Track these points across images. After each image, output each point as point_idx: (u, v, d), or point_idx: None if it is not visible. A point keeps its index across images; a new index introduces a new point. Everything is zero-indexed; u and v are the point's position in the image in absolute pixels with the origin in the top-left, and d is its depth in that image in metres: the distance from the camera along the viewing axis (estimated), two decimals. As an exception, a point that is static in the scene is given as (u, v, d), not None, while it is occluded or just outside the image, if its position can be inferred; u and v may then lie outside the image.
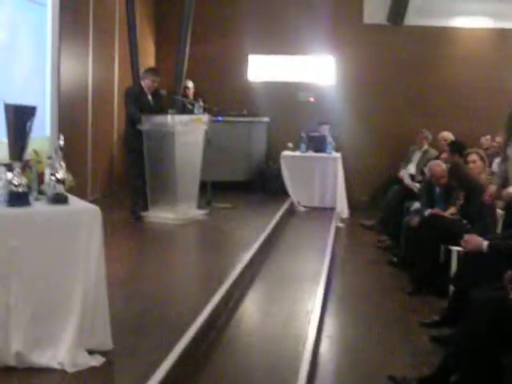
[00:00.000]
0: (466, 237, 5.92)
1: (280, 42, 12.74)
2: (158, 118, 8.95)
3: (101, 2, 10.55)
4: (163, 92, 9.55)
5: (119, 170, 11.55)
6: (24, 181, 4.10)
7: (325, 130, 12.13)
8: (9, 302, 3.93)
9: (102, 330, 4.19)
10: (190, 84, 11.74)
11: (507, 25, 12.69)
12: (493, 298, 4.67)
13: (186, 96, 11.19)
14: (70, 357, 3.96)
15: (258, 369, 4.78)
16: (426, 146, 11.11)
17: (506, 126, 6.58)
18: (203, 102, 10.20)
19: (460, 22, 12.84)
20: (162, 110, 9.24)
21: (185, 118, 9.22)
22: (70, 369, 3.93)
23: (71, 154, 4.86)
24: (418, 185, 9.67)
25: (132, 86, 9.90)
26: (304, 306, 6.18)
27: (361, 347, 5.60)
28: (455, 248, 6.58)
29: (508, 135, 6.43)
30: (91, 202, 4.78)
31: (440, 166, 8.36)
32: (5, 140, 4.20)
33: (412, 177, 10.44)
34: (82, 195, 5.08)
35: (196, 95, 11.54)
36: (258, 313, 6.12)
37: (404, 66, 12.74)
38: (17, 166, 4.09)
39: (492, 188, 6.91)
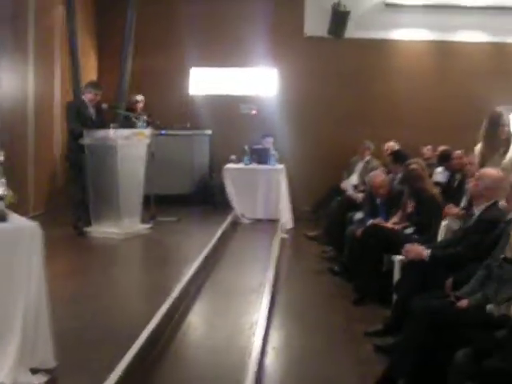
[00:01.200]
0: (408, 246, 6.03)
1: (222, 55, 12.76)
2: (100, 132, 8.88)
3: (40, 16, 10.45)
4: (105, 106, 9.50)
5: (62, 184, 11.42)
6: (-38, 198, 4.04)
7: (268, 143, 12.16)
8: None
9: (45, 348, 4.14)
10: (140, 97, 11.58)
11: (446, 37, 12.93)
12: (434, 306, 4.75)
13: (135, 110, 11.08)
14: (11, 376, 3.90)
15: (204, 381, 4.77)
16: (368, 157, 11.24)
17: (485, 136, 6.68)
18: (148, 115, 10.18)
19: (400, 34, 13.04)
20: (104, 124, 9.18)
21: (127, 131, 9.16)
22: (12, 388, 3.87)
23: (12, 169, 4.79)
24: (360, 195, 9.77)
25: (73, 100, 9.83)
26: (249, 317, 6.18)
27: (306, 358, 5.62)
28: (397, 257, 6.66)
29: (489, 146, 6.56)
30: (33, 218, 4.73)
31: (379, 177, 8.48)
32: None
33: (355, 187, 10.55)
34: (23, 211, 5.04)
35: (145, 109, 11.45)
36: (203, 325, 6.10)
37: (346, 78, 12.86)
38: (-46, 182, 4.04)
39: (454, 210, 7.07)
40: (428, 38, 13.07)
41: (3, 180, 4.14)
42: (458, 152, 9.37)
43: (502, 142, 7.12)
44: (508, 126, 7.31)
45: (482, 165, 6.70)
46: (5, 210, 4.14)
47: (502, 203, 5.54)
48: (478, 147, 7.38)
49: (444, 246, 6.05)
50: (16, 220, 4.25)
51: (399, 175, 8.62)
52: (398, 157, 9.04)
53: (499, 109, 7.54)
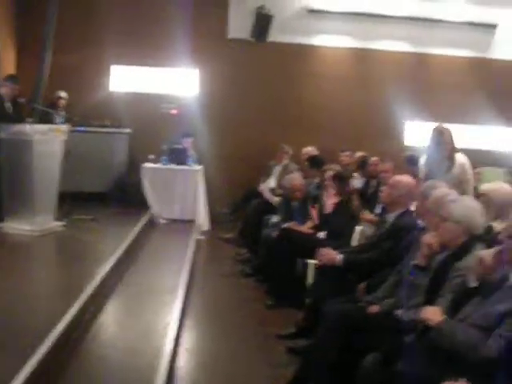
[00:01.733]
0: (321, 250, 6.10)
1: (144, 54, 12.63)
2: (16, 127, 8.70)
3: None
4: (22, 100, 9.32)
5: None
6: None
7: (187, 143, 12.11)
8: None
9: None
10: (63, 94, 11.37)
11: (367, 45, 13.14)
12: (345, 310, 4.83)
13: (57, 106, 10.90)
14: None
15: (114, 382, 4.72)
16: (286, 161, 11.31)
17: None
18: (66, 111, 10.03)
19: (322, 40, 13.18)
20: (21, 119, 9.01)
21: (44, 127, 8.99)
22: None
23: None
24: (277, 199, 9.84)
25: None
26: (162, 318, 6.15)
27: (218, 360, 5.64)
28: (311, 261, 6.73)
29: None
30: None
31: (296, 180, 8.57)
32: None
33: (272, 190, 10.61)
34: None
35: (67, 106, 11.26)
36: (115, 326, 6.05)
37: (268, 82, 12.92)
38: None
39: (368, 216, 7.20)
40: (349, 45, 13.25)
41: None
42: (374, 159, 9.55)
43: (444, 160, 7.27)
44: (451, 143, 7.44)
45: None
46: None
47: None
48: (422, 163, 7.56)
49: (357, 252, 6.15)
50: None
51: (315, 180, 8.73)
52: (315, 162, 9.16)
53: (440, 126, 7.68)
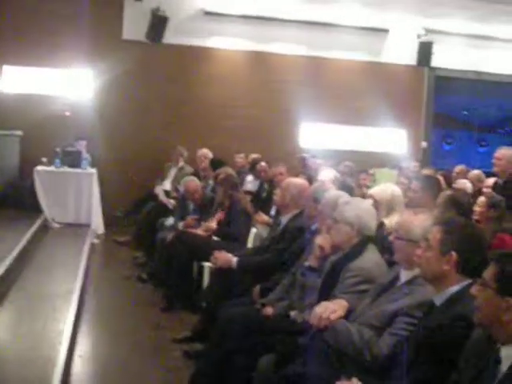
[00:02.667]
0: (216, 253, 6.13)
1: (36, 54, 12.37)
2: None
3: None
4: None
5: None
6: None
7: (81, 145, 11.92)
8: None
9: None
10: None
11: (262, 47, 13.26)
12: (239, 313, 4.86)
13: None
14: None
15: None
16: (181, 163, 11.30)
17: None
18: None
19: (218, 42, 13.21)
20: None
21: None
22: None
23: None
24: (172, 201, 9.82)
25: None
26: (56, 325, 6.04)
27: (113, 366, 5.59)
28: (207, 264, 6.75)
29: None
30: None
31: (194, 182, 8.60)
32: None
33: (167, 193, 10.57)
34: None
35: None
36: (6, 334, 5.89)
37: (164, 83, 12.84)
38: None
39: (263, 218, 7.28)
40: (246, 48, 13.33)
41: None
42: (263, 164, 9.66)
43: None
44: None
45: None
46: None
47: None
48: None
49: (252, 254, 6.20)
50: None
51: (210, 182, 8.78)
52: (215, 164, 9.23)
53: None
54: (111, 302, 7.56)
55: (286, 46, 13.43)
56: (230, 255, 6.04)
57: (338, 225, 4.57)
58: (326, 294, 4.40)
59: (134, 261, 9.51)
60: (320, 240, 4.74)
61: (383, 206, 5.48)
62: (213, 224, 7.65)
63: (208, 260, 6.56)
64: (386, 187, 5.83)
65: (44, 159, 11.66)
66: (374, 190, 5.83)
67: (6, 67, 12.55)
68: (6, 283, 7.10)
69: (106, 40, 12.59)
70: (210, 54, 13.27)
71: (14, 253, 8.03)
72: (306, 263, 4.86)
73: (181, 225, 8.14)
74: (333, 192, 5.35)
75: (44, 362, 5.11)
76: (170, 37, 12.86)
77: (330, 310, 3.90)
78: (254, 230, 7.30)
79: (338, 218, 4.59)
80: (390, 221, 5.19)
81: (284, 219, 6.06)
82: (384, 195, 5.62)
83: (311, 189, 5.82)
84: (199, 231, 7.80)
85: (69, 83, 12.81)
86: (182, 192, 8.98)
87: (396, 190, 5.76)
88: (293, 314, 4.78)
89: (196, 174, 10.03)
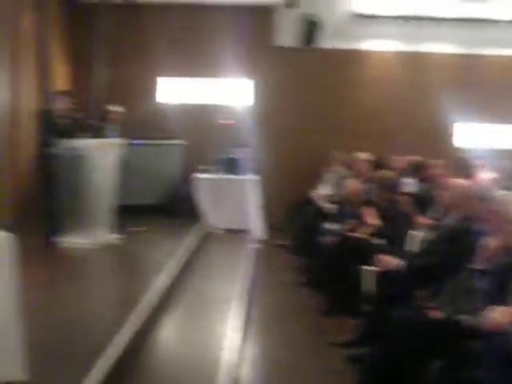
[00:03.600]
0: (380, 256, 6.04)
1: (193, 65, 12.75)
2: (72, 142, 8.83)
3: (11, 23, 10.37)
4: (76, 115, 9.42)
5: (31, 194, 11.31)
6: None
7: (241, 152, 12.16)
8: None
9: (17, 361, 4.09)
10: (116, 108, 11.58)
11: (416, 48, 13.05)
12: (408, 317, 4.77)
13: (111, 120, 11.05)
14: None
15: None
16: (338, 167, 11.26)
17: None
18: (117, 124, 10.14)
19: (370, 45, 13.13)
20: (76, 134, 9.11)
21: (98, 141, 9.13)
22: (-18, 401, 3.83)
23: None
24: (331, 205, 9.79)
25: (45, 109, 9.71)
26: (223, 329, 6.16)
27: (278, 370, 5.60)
28: (369, 268, 6.67)
29: None
30: (3, 228, 4.67)
31: (354, 185, 8.53)
32: None
33: (327, 197, 10.56)
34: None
35: (120, 120, 11.44)
36: (175, 337, 6.06)
37: (317, 88, 12.92)
38: None
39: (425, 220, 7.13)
40: (398, 49, 13.17)
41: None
42: (431, 162, 9.46)
43: None
44: None
45: None
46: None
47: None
48: None
49: (416, 257, 6.07)
50: (-13, 230, 4.21)
51: (370, 185, 8.68)
52: (374, 167, 9.13)
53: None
54: (274, 307, 7.63)
55: (438, 44, 13.17)
56: (393, 258, 5.95)
57: (510, 225, 4.40)
58: (496, 297, 4.24)
59: (294, 265, 9.56)
60: (490, 241, 4.58)
61: None
62: (377, 222, 7.54)
63: (368, 263, 6.49)
64: None
65: (205, 167, 11.95)
66: None
67: (166, 79, 12.98)
68: (172, 288, 7.33)
69: (260, 47, 12.79)
70: (362, 56, 13.22)
71: (179, 258, 8.29)
72: (475, 266, 4.71)
73: (341, 229, 8.09)
74: (502, 192, 5.15)
75: (212, 364, 5.21)
76: (323, 41, 12.88)
77: (507, 314, 3.76)
78: (413, 233, 7.16)
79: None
80: None
81: (449, 220, 5.90)
82: None
83: (476, 189, 5.64)
84: (359, 234, 7.73)
85: (229, 92, 13.09)
86: (341, 196, 8.95)
87: None
88: (462, 318, 4.64)
89: (354, 177, 9.96)
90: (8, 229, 4.38)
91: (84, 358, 4.68)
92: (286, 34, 12.96)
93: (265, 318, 7.13)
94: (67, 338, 5.20)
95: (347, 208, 8.51)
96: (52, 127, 9.01)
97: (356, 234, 7.80)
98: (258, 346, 6.30)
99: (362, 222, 8.03)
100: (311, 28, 12.60)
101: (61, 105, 9.19)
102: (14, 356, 4.07)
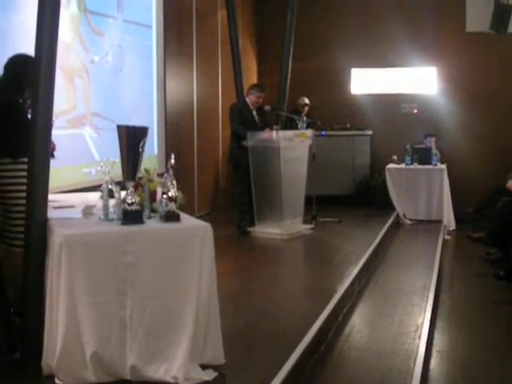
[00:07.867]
0: None
1: (382, 55, 12.69)
2: (263, 134, 9.03)
3: (203, 21, 10.77)
4: (267, 108, 9.62)
5: (225, 185, 11.72)
6: (137, 199, 4.21)
7: (430, 142, 12.02)
8: (124, 318, 4.03)
9: (215, 345, 4.25)
10: (307, 101, 11.89)
11: None
12: None
13: (301, 112, 11.34)
14: (183, 371, 4.01)
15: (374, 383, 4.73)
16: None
17: None
18: (307, 116, 10.27)
19: None
20: (267, 126, 9.32)
21: (289, 133, 9.27)
22: (183, 383, 3.99)
23: (179, 171, 4.94)
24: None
25: (236, 102, 10.00)
26: (413, 320, 6.11)
27: (472, 364, 5.47)
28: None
29: None
30: (198, 218, 4.87)
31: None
32: (117, 160, 4.33)
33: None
34: (189, 212, 5.20)
35: (308, 111, 11.70)
36: (366, 328, 6.06)
37: (508, 74, 12.45)
38: (130, 185, 4.21)
39: None
40: None
41: (174, 182, 4.27)
42: None
43: None
44: None
45: None
46: (177, 211, 4.29)
47: None
48: None
49: None
50: (187, 220, 4.40)
51: None
52: None
53: None
54: (466, 299, 7.46)
55: None
56: None
57: None
58: None
59: (488, 257, 9.28)
60: None
61: None
62: None
63: None
64: None
65: (394, 157, 11.87)
66: None
67: (354, 70, 12.99)
68: (364, 279, 7.37)
69: (450, 35, 12.51)
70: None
71: (370, 249, 8.32)
72: None
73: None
74: None
75: (404, 355, 5.18)
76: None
77: None
78: None
79: None
80: None
81: None
82: None
83: None
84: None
85: (414, 81, 12.91)
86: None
87: None
88: None
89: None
90: (202, 219, 4.57)
91: (278, 346, 4.79)
92: (477, 19, 12.55)
93: (457, 310, 6.99)
94: (262, 325, 5.33)
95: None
96: (245, 120, 9.26)
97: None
98: (451, 338, 6.17)
99: None
100: (503, 12, 12.12)
101: (252, 99, 9.41)
102: (212, 341, 4.23)
